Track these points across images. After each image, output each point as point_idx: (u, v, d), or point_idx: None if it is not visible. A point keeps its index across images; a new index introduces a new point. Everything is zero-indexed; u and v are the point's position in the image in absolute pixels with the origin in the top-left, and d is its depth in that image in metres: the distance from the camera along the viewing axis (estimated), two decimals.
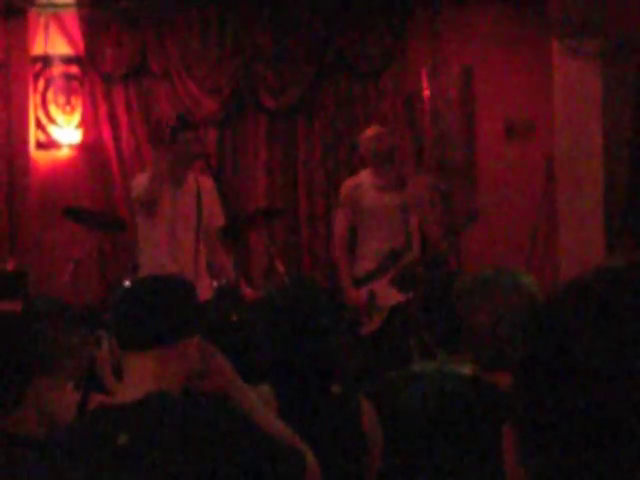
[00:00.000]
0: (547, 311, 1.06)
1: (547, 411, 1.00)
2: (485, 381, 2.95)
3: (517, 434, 1.05)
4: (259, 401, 2.79)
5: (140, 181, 6.45)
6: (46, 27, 9.78)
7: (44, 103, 9.81)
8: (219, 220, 6.78)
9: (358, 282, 6.99)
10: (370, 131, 7.10)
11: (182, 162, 6.51)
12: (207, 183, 6.75)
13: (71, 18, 9.82)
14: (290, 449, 2.64)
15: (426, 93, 8.66)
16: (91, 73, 9.93)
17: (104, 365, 3.70)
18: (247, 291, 6.86)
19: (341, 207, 7.22)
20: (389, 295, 6.87)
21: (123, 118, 9.90)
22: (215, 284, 6.97)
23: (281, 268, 7.76)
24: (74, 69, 9.91)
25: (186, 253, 6.51)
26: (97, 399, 3.26)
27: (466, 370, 3.07)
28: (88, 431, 2.54)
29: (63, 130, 9.81)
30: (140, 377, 2.62)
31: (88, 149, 9.91)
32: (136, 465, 2.39)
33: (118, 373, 2.79)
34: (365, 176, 7.11)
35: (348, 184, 7.22)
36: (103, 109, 9.92)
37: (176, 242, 6.49)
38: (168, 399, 2.55)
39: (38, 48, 9.81)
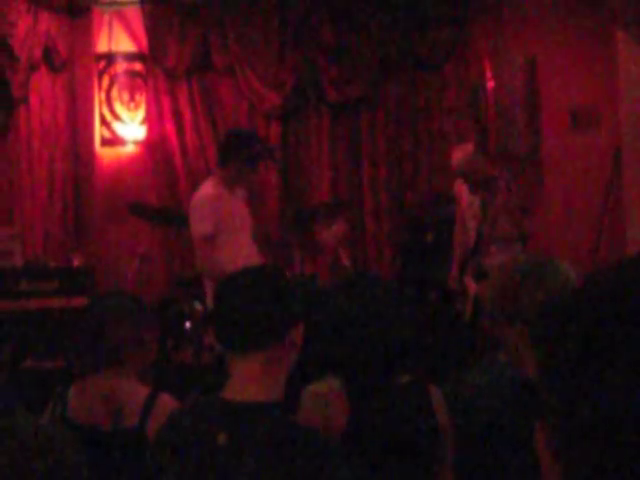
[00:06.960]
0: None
1: (579, 405, 0.96)
2: None
3: (550, 427, 1.01)
4: None
5: (202, 212, 6.20)
6: (110, 25, 9.88)
7: (109, 100, 9.90)
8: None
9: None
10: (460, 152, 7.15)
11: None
12: None
13: (134, 15, 9.91)
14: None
15: (490, 84, 8.57)
16: (155, 70, 10.01)
17: None
18: None
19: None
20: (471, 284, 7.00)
21: (187, 114, 9.95)
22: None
23: (346, 262, 7.74)
24: (138, 66, 10.00)
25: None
26: (165, 398, 3.26)
27: None
28: (190, 424, 2.43)
29: (127, 126, 9.90)
30: (247, 380, 2.46)
31: (152, 145, 9.99)
32: (229, 467, 2.31)
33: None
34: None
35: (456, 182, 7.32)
36: (167, 105, 9.99)
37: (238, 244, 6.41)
38: (273, 409, 2.40)
39: (102, 46, 9.91)
